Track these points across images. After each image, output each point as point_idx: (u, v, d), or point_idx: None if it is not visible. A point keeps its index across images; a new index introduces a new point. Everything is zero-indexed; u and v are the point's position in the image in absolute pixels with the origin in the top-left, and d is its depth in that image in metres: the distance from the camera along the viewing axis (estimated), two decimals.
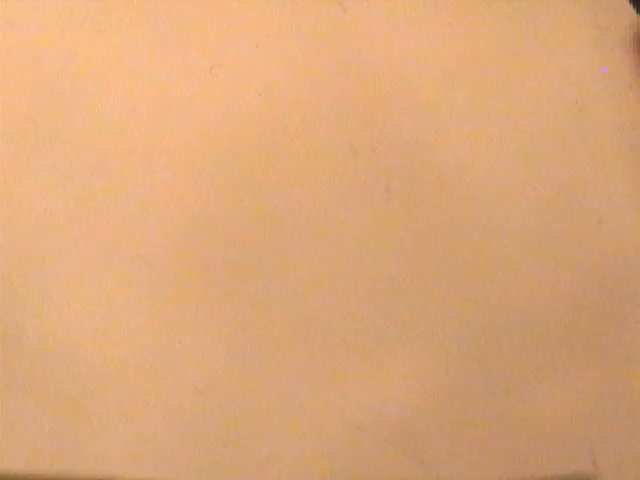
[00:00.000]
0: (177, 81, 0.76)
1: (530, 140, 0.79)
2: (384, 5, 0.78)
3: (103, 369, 0.74)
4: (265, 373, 0.76)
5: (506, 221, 0.78)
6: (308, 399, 0.76)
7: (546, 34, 0.80)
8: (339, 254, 0.77)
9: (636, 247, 0.79)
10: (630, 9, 0.79)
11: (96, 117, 0.75)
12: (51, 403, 0.74)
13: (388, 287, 0.77)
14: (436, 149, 0.78)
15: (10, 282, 0.74)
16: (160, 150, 0.76)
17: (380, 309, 0.77)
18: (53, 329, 0.74)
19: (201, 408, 0.75)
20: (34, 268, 0.74)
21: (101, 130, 0.75)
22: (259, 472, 0.76)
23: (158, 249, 0.75)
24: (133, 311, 0.75)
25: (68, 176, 0.75)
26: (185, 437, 0.75)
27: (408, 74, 0.78)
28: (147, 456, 0.75)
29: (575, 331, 0.78)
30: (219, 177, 0.76)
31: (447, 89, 0.78)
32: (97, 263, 0.75)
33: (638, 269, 0.79)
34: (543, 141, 0.79)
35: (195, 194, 0.76)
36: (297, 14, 0.77)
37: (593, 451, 0.78)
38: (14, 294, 0.74)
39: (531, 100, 0.79)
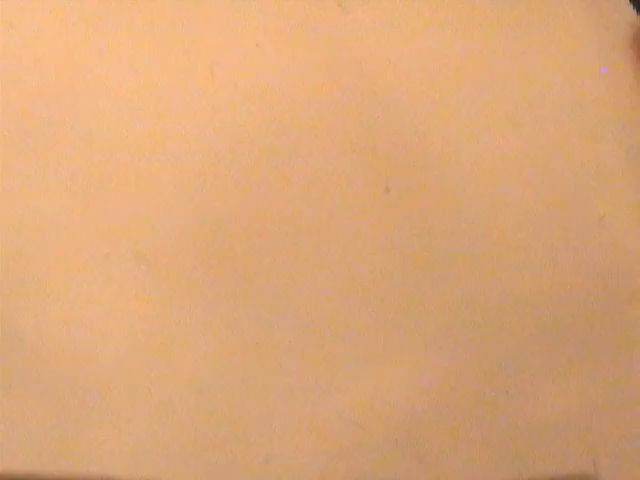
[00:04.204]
0: (178, 81, 0.76)
1: (531, 140, 0.79)
2: (384, 5, 0.78)
3: (102, 369, 0.74)
4: (265, 373, 0.76)
5: (507, 221, 0.78)
6: (308, 399, 0.76)
7: (546, 34, 0.80)
8: (339, 254, 0.77)
9: (637, 245, 0.79)
10: (630, 9, 0.79)
11: (96, 117, 0.75)
12: (51, 403, 0.74)
13: (388, 287, 0.77)
14: (436, 149, 0.78)
15: (10, 282, 0.74)
16: (160, 149, 0.76)
17: (381, 309, 0.77)
18: (53, 329, 0.74)
19: (201, 408, 0.75)
20: (34, 268, 0.74)
21: (101, 130, 0.75)
22: (259, 472, 0.76)
23: (157, 249, 0.75)
24: (133, 311, 0.75)
25: (68, 176, 0.75)
26: (185, 437, 0.75)
27: (408, 74, 0.78)
28: (146, 456, 0.75)
29: (576, 331, 0.78)
30: (219, 177, 0.76)
31: (447, 89, 0.79)
32: (97, 263, 0.75)
33: (639, 267, 0.79)
34: (543, 140, 0.79)
35: (195, 194, 0.76)
36: (297, 14, 0.77)
37: (593, 451, 0.78)
38: (14, 294, 0.74)
39: (531, 100, 0.79)
